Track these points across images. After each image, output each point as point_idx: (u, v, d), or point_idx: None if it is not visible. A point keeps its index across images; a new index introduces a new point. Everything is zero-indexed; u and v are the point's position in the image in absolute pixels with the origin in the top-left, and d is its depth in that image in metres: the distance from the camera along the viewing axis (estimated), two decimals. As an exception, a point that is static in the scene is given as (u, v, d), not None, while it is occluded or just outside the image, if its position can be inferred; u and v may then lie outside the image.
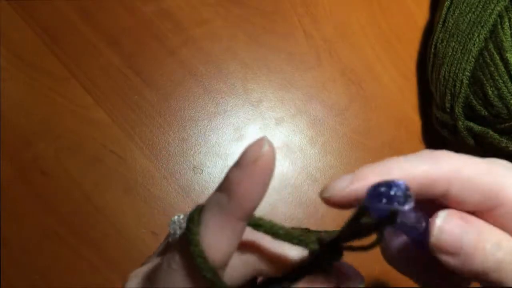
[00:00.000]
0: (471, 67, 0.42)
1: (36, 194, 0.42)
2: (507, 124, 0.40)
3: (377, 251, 0.23)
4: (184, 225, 0.22)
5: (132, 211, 0.43)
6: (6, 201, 0.42)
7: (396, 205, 0.19)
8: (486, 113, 0.42)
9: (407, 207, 0.19)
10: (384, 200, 0.19)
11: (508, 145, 0.40)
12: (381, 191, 0.19)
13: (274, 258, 0.22)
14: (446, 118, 0.45)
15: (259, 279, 0.24)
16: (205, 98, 0.47)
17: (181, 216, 0.24)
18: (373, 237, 0.21)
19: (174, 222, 0.23)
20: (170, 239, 0.24)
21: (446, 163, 0.21)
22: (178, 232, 0.23)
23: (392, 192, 0.19)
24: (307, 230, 0.25)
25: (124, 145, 0.44)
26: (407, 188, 0.19)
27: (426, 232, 0.21)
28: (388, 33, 0.51)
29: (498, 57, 0.41)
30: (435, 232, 0.20)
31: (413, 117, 0.50)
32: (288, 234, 0.21)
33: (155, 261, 0.23)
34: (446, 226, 0.20)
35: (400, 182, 0.19)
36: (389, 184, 0.19)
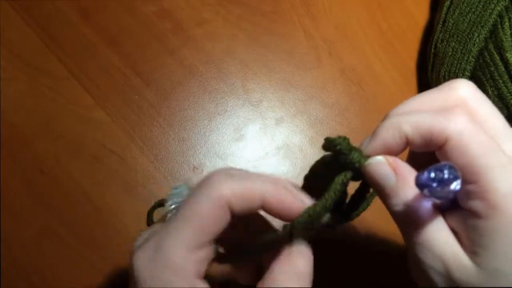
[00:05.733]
0: (471, 67, 0.42)
1: (36, 194, 0.42)
2: (507, 124, 0.40)
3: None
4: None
5: (132, 211, 0.43)
6: (6, 201, 0.42)
7: (450, 188, 0.21)
8: (486, 113, 0.42)
9: (459, 186, 0.21)
10: (435, 184, 0.21)
11: (508, 145, 0.40)
12: (432, 177, 0.21)
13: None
14: (446, 118, 0.45)
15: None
16: (205, 98, 0.47)
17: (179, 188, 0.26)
18: None
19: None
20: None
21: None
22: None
23: (445, 176, 0.21)
24: None
25: (124, 145, 0.44)
26: (455, 169, 0.21)
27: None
28: (388, 33, 0.51)
29: (498, 57, 0.41)
30: None
31: (413, 117, 0.50)
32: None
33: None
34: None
35: (447, 164, 0.21)
36: (440, 168, 0.21)
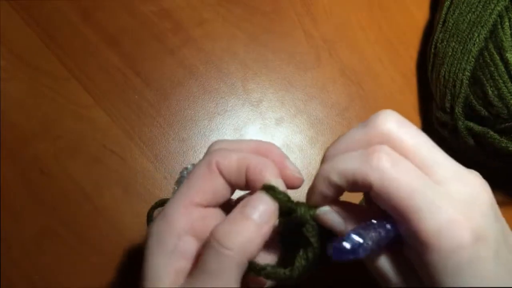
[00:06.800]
0: (471, 67, 0.42)
1: (36, 194, 0.42)
2: (507, 124, 0.40)
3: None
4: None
5: (132, 211, 0.43)
6: (6, 201, 0.42)
7: (360, 252, 0.23)
8: (486, 113, 0.42)
9: (363, 253, 0.23)
10: (347, 251, 0.23)
11: (508, 145, 0.40)
12: (343, 247, 0.23)
13: None
14: (446, 118, 0.45)
15: None
16: (205, 98, 0.47)
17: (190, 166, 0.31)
18: None
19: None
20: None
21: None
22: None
23: (349, 247, 0.23)
24: None
25: (124, 145, 0.44)
26: (360, 236, 0.23)
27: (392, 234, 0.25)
28: (388, 33, 0.51)
29: (498, 57, 0.41)
30: None
31: (413, 117, 0.50)
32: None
33: None
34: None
35: (350, 234, 0.23)
36: (344, 239, 0.23)
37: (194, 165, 0.30)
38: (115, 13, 0.48)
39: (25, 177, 0.43)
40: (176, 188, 0.30)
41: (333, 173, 0.25)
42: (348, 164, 0.25)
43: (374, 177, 0.24)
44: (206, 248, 0.25)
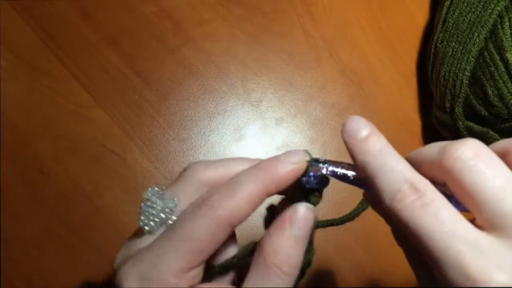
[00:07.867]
0: (471, 67, 0.42)
1: (36, 194, 0.42)
2: (507, 124, 0.40)
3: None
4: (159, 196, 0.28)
5: (132, 211, 0.43)
6: (6, 201, 0.42)
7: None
8: (486, 113, 0.42)
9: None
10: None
11: (508, 145, 0.40)
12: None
13: None
14: (446, 118, 0.45)
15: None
16: (205, 98, 0.47)
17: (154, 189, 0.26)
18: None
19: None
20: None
21: None
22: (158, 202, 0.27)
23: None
24: None
25: (124, 145, 0.44)
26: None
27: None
28: (388, 33, 0.51)
29: (498, 57, 0.41)
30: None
31: (413, 117, 0.50)
32: None
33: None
34: None
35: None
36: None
37: (156, 188, 0.26)
38: (115, 13, 0.48)
39: (25, 177, 0.43)
40: (143, 211, 0.27)
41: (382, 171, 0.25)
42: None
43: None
44: (266, 273, 0.24)
